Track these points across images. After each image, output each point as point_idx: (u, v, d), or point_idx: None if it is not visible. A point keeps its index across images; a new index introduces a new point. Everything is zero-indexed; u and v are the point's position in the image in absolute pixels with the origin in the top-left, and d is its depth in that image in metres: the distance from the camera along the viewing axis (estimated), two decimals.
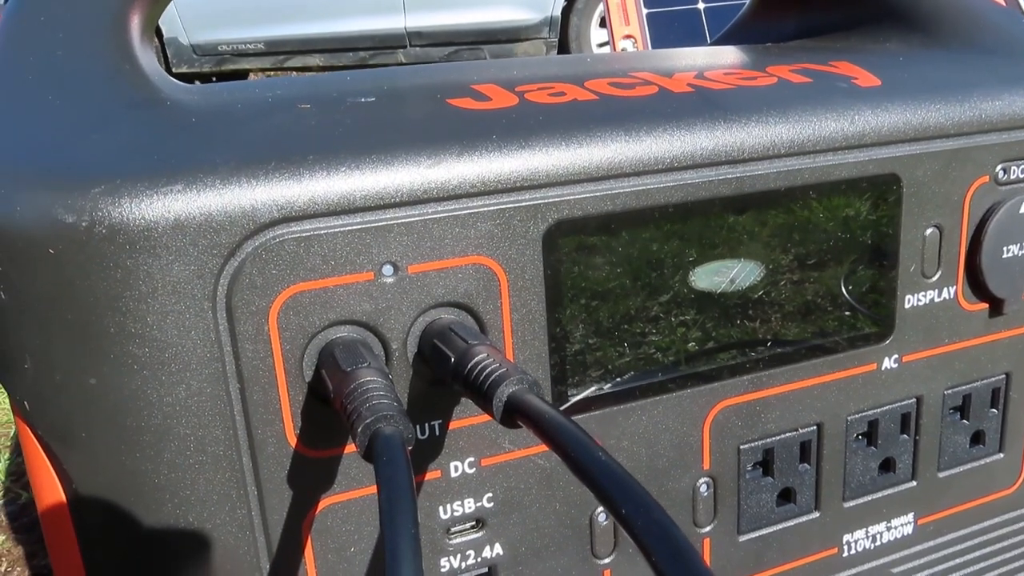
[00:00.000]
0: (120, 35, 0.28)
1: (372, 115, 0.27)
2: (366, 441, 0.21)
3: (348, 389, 0.22)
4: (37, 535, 0.99)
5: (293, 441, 0.25)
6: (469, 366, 0.23)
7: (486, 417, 0.28)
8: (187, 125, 0.25)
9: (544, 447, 0.29)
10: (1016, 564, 0.42)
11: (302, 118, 0.26)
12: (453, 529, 0.29)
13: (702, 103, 0.31)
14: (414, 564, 0.18)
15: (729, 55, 0.40)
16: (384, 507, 0.19)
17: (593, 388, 0.30)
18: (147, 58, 0.28)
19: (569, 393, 0.29)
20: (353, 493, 0.27)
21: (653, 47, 1.45)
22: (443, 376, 0.25)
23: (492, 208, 0.26)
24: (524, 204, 0.27)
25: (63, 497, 0.25)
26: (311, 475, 0.26)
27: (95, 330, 0.23)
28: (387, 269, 0.26)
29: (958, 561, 0.40)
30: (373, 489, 0.27)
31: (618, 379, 0.30)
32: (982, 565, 0.41)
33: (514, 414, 0.22)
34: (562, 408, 0.28)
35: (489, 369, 0.23)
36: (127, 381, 0.23)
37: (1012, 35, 0.41)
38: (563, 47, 3.30)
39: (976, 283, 0.36)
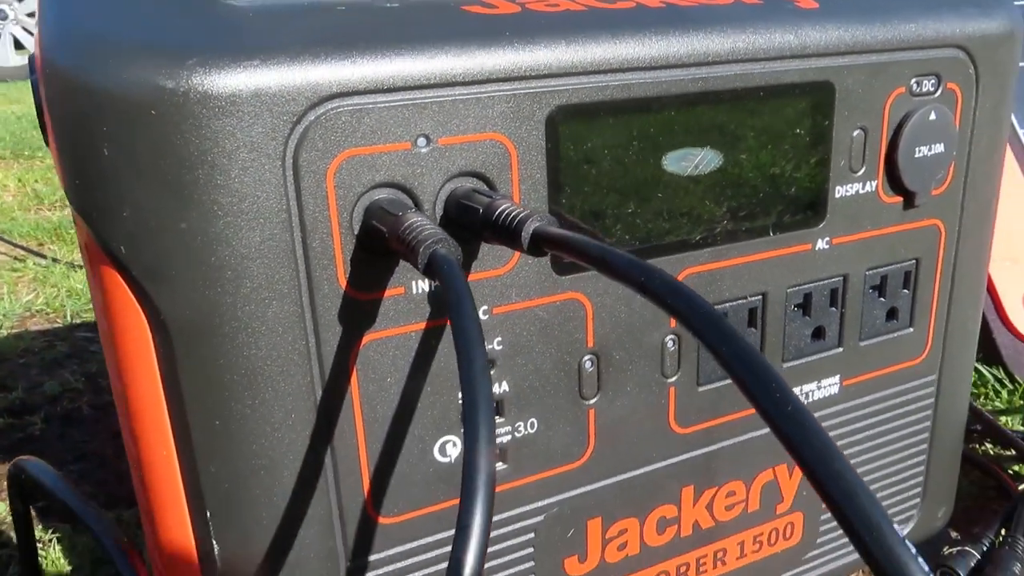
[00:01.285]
0: None
1: (401, 15, 0.32)
2: (426, 259, 0.26)
3: (403, 227, 0.27)
4: None
5: (344, 284, 0.31)
6: (496, 212, 0.29)
7: (500, 271, 0.33)
8: (254, 18, 0.29)
9: (542, 300, 0.35)
10: (920, 425, 0.50)
11: (344, 15, 0.31)
12: None
13: (674, 15, 0.37)
14: (480, 340, 0.23)
15: None
16: (451, 301, 0.24)
17: None
18: None
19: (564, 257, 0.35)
20: (393, 331, 0.32)
21: None
22: (472, 227, 0.30)
23: (506, 93, 0.32)
24: (531, 91, 0.32)
25: (148, 332, 0.30)
26: (358, 314, 0.31)
27: (186, 181, 0.27)
28: (421, 141, 0.31)
29: (874, 420, 0.48)
30: (410, 328, 0.32)
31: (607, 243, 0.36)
32: (893, 424, 0.48)
33: (541, 243, 0.27)
34: (566, 261, 0.34)
35: (514, 212, 0.28)
36: (212, 226, 0.28)
37: None
38: None
39: (893, 178, 0.43)
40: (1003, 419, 0.74)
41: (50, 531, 0.63)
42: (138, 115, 0.27)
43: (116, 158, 0.27)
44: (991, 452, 0.70)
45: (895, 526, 0.18)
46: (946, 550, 0.57)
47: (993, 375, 0.81)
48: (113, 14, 0.28)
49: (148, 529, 0.36)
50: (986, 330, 0.83)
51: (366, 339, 0.32)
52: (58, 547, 0.61)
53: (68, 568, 0.59)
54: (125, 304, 0.30)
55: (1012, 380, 0.80)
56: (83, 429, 0.80)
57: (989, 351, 0.83)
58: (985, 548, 0.57)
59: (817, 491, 0.19)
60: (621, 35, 0.34)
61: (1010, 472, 0.66)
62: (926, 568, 0.17)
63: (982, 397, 0.80)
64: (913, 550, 0.17)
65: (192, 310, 0.29)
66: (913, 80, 0.42)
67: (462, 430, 0.31)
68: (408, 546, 0.34)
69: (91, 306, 1.17)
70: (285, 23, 0.29)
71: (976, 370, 0.82)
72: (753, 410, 0.42)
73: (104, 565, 0.59)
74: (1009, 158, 0.91)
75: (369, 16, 0.31)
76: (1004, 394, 0.79)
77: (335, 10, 0.32)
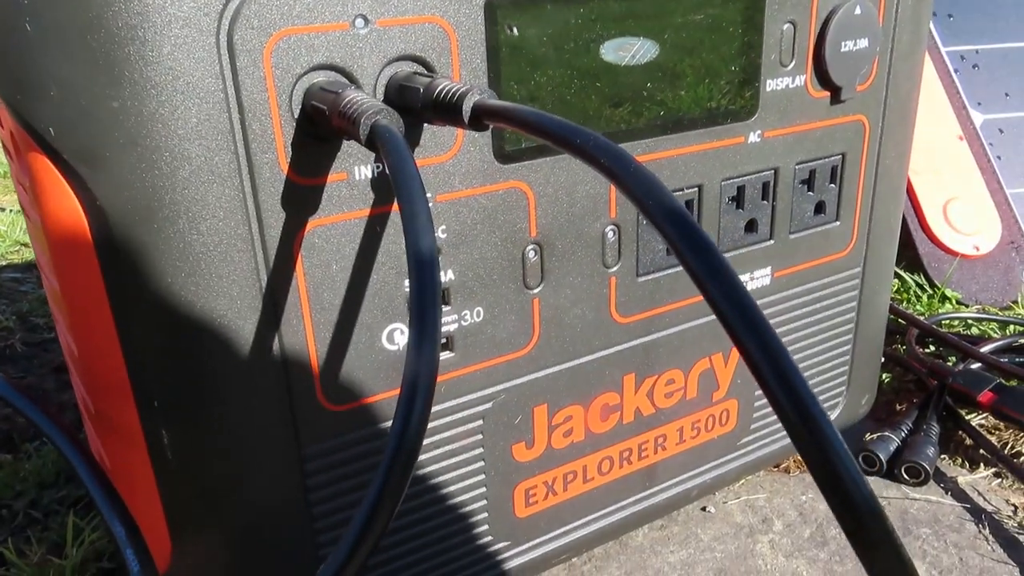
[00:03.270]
0: None
1: None
2: (367, 130, 0.26)
3: (344, 102, 0.27)
4: None
5: (285, 168, 0.30)
6: (437, 90, 0.29)
7: (442, 158, 0.33)
8: None
9: (485, 188, 0.35)
10: (846, 316, 0.52)
11: None
12: None
13: None
14: (424, 198, 0.23)
15: None
16: (394, 169, 0.24)
17: (530, 142, 0.36)
18: None
19: (507, 146, 0.35)
20: (337, 217, 0.32)
21: None
22: (413, 108, 0.30)
23: None
24: None
25: (83, 220, 0.29)
26: (300, 199, 0.31)
27: (117, 57, 0.27)
28: (359, 22, 0.30)
29: (803, 311, 0.50)
30: (354, 214, 0.32)
31: None
32: (821, 316, 0.51)
33: (482, 116, 0.27)
34: (508, 151, 0.34)
35: (454, 88, 0.28)
36: (146, 105, 0.27)
37: None
38: None
39: (821, 73, 0.44)
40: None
41: None
42: None
43: (41, 34, 0.26)
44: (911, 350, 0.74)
45: (822, 407, 0.18)
46: (868, 436, 0.61)
47: (915, 281, 0.85)
48: None
49: (96, 428, 0.36)
50: (908, 238, 0.87)
51: (310, 225, 0.31)
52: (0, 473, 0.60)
53: (12, 493, 0.58)
54: (58, 193, 0.29)
55: (932, 285, 0.84)
56: (19, 366, 0.78)
57: (911, 259, 0.86)
58: (904, 434, 0.60)
59: (751, 369, 0.19)
60: None
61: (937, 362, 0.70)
62: (846, 447, 0.18)
63: (904, 302, 0.84)
64: (837, 432, 0.18)
65: (129, 195, 0.28)
66: None
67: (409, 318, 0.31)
68: (359, 433, 0.35)
69: (17, 248, 1.13)
70: None
71: (898, 276, 0.86)
72: (691, 300, 0.43)
73: (48, 489, 0.59)
74: (932, 76, 0.94)
75: None
76: (924, 298, 0.83)
77: None
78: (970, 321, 0.77)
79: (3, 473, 0.60)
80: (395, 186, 0.25)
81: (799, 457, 0.60)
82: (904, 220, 0.88)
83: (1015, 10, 0.99)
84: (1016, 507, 0.55)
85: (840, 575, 0.50)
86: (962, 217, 0.87)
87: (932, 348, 0.74)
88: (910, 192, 0.88)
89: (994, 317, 0.77)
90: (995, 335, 0.75)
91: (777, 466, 0.60)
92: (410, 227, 0.24)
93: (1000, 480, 0.58)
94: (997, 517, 0.54)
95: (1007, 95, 0.95)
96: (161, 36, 0.27)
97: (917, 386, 0.69)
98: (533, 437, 0.41)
